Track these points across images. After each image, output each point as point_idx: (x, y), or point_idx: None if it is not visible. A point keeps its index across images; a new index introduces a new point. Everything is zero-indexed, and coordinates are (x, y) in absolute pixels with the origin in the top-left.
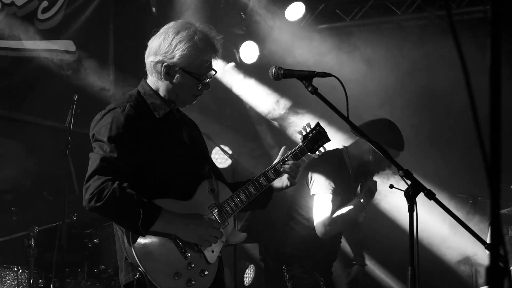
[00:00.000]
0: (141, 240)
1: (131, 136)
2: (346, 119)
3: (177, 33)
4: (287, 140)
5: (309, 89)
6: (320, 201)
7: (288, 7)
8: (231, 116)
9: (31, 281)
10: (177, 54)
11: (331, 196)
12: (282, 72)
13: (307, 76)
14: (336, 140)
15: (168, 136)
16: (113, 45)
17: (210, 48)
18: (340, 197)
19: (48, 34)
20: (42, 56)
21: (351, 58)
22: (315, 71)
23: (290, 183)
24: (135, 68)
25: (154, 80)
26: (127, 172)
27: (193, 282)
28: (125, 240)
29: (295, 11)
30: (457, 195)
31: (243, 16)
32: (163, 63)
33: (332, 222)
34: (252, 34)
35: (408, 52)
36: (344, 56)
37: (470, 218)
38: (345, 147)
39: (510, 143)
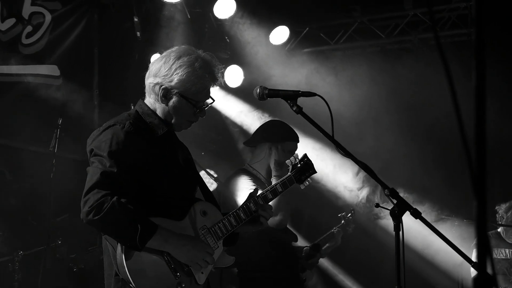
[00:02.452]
0: (133, 257)
1: (130, 153)
2: (331, 138)
3: (179, 57)
4: None
5: (294, 109)
6: None
7: (272, 31)
8: (217, 140)
9: None
10: (176, 78)
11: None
12: (266, 92)
13: (292, 96)
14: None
15: (166, 156)
16: (98, 69)
17: (209, 76)
18: None
19: (33, 59)
20: (26, 80)
21: (335, 81)
22: (300, 91)
23: (263, 224)
24: (119, 93)
25: (152, 101)
26: (125, 188)
27: None
28: (118, 256)
29: (280, 35)
30: (441, 218)
31: (227, 40)
32: (161, 86)
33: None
34: (236, 58)
35: (392, 75)
36: (329, 79)
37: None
38: (247, 164)
39: (495, 167)
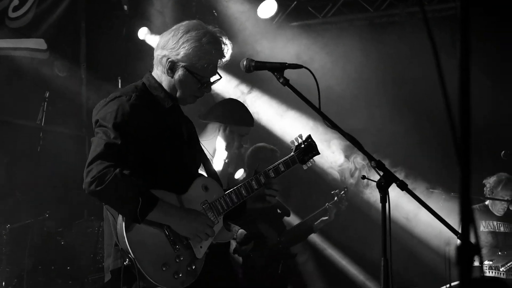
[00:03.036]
0: (134, 228)
1: (135, 125)
2: (317, 110)
3: (187, 31)
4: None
5: (280, 81)
6: None
7: (260, 5)
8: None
9: (4, 278)
10: (182, 52)
11: None
12: (253, 64)
13: (278, 68)
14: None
15: (171, 129)
16: (85, 43)
17: (216, 51)
18: None
19: (19, 33)
20: (13, 54)
21: (324, 55)
22: (286, 63)
23: (270, 202)
24: (106, 66)
25: (159, 74)
26: (129, 160)
27: (180, 275)
28: (118, 227)
29: (268, 9)
30: (429, 191)
31: (215, 14)
32: (168, 58)
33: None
34: (224, 31)
35: (380, 48)
36: (317, 53)
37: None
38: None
39: (481, 141)
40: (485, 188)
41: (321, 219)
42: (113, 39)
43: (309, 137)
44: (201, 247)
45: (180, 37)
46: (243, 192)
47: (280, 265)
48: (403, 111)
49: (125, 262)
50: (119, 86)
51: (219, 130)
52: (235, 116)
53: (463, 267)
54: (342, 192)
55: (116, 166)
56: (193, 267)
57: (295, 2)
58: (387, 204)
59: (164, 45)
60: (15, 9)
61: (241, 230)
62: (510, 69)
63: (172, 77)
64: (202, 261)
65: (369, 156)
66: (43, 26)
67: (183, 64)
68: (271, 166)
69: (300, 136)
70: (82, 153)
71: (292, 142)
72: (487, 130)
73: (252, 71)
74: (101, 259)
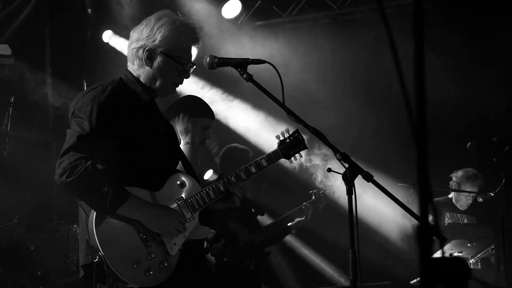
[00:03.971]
0: (104, 225)
1: (110, 117)
2: (281, 105)
3: (159, 19)
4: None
5: (244, 76)
6: None
7: (224, 5)
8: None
9: None
10: (158, 36)
11: None
12: (216, 60)
13: (241, 64)
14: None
15: (147, 124)
16: (50, 48)
17: (191, 32)
18: None
19: None
20: None
21: (289, 53)
22: (249, 59)
23: (234, 202)
24: (72, 70)
25: (135, 68)
26: (102, 153)
27: (151, 272)
28: (89, 223)
29: (232, 9)
30: (398, 185)
31: (179, 15)
32: (145, 48)
33: None
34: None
35: (345, 45)
36: (281, 51)
37: (411, 207)
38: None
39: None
40: (451, 182)
41: (297, 219)
42: (78, 42)
43: (296, 131)
44: (174, 244)
45: (154, 25)
46: (221, 188)
47: (253, 263)
48: (371, 107)
49: (95, 259)
50: (84, 89)
51: (180, 121)
52: (195, 108)
53: (422, 246)
54: (321, 192)
55: (88, 158)
56: (165, 264)
57: (259, 2)
58: (353, 196)
59: (138, 37)
60: None
61: (212, 231)
62: (475, 60)
63: (151, 66)
64: (175, 257)
65: (334, 149)
66: (7, 31)
67: (161, 49)
68: (252, 162)
69: (287, 131)
70: (49, 158)
71: (278, 136)
72: (454, 123)
73: (216, 68)
74: (71, 263)
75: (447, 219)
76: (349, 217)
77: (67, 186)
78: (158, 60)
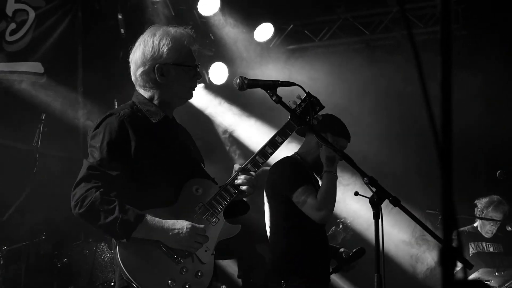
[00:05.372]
0: (129, 253)
1: (123, 142)
2: (311, 127)
3: (154, 35)
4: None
5: (273, 99)
6: (300, 194)
7: (257, 28)
8: (201, 138)
9: None
10: (164, 50)
11: (305, 185)
12: (246, 82)
13: (271, 86)
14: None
15: (163, 142)
16: (82, 67)
17: (187, 35)
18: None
19: (17, 56)
20: (10, 78)
21: (319, 79)
22: (279, 81)
23: (248, 192)
24: (104, 90)
25: (147, 90)
26: (114, 180)
27: (189, 284)
28: (115, 255)
29: (264, 32)
30: (426, 211)
31: (212, 37)
32: (155, 67)
33: (321, 203)
34: (221, 55)
35: (377, 71)
36: (314, 76)
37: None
38: (295, 153)
39: (478, 162)
40: (476, 209)
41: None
42: (110, 62)
43: (307, 94)
44: (206, 250)
45: (153, 42)
46: (238, 181)
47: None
48: (402, 133)
49: None
50: None
51: (317, 143)
52: (334, 128)
53: (445, 269)
54: (349, 221)
55: (99, 187)
56: (200, 273)
57: (291, 26)
58: (380, 220)
59: (142, 60)
60: (12, 32)
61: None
62: (506, 87)
63: (166, 81)
64: (210, 264)
65: (361, 172)
66: (40, 50)
67: (170, 61)
68: (263, 145)
69: (298, 97)
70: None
71: (290, 105)
72: (484, 150)
73: (245, 89)
74: (97, 280)
75: (472, 249)
76: (375, 241)
77: (80, 217)
78: (171, 73)
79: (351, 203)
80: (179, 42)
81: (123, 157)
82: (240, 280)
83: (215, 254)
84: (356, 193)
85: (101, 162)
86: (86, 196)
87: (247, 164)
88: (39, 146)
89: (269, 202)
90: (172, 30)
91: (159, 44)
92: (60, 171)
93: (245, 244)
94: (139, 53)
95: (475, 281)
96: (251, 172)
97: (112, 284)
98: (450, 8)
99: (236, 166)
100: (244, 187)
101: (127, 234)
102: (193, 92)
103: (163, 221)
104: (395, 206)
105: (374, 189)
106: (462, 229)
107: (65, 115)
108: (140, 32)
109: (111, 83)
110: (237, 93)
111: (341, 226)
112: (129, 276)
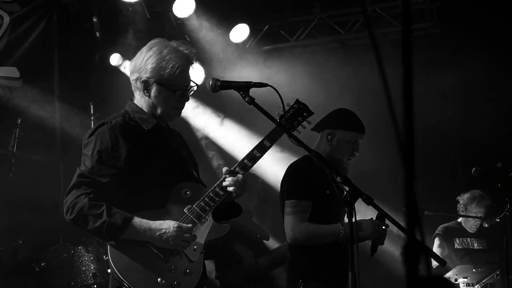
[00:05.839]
0: (119, 254)
1: (113, 150)
2: (284, 128)
3: (150, 49)
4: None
5: (246, 100)
6: (289, 206)
7: (232, 29)
8: None
9: None
10: (149, 67)
11: (299, 200)
12: (219, 83)
13: (244, 87)
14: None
15: (155, 148)
16: (58, 71)
17: (178, 59)
18: (321, 200)
19: None
20: None
21: (296, 78)
22: (251, 82)
23: (235, 194)
24: (80, 93)
25: (138, 98)
26: (104, 186)
27: (177, 282)
28: (108, 257)
29: (240, 33)
30: (424, 213)
31: (187, 39)
32: (140, 79)
33: (302, 231)
34: (197, 57)
35: (353, 70)
36: (289, 76)
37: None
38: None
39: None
40: (458, 205)
41: None
42: (86, 66)
43: (297, 101)
44: (194, 249)
45: (144, 56)
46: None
47: (257, 286)
48: (378, 132)
49: None
50: (91, 112)
51: (327, 137)
52: (344, 121)
53: (409, 265)
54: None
55: (89, 194)
56: (189, 271)
57: (267, 26)
58: (353, 219)
59: (133, 69)
60: None
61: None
62: (482, 85)
63: (149, 96)
64: (199, 263)
65: (335, 172)
66: (15, 54)
67: (153, 80)
68: (253, 147)
69: (288, 104)
70: (56, 180)
71: (278, 112)
72: (462, 148)
73: (218, 91)
74: (76, 284)
75: (457, 245)
76: (350, 240)
77: (72, 223)
78: (153, 89)
79: None
80: (165, 63)
81: (114, 165)
82: (217, 282)
83: (204, 254)
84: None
85: (91, 170)
86: (76, 202)
87: (235, 167)
88: (15, 150)
89: (281, 203)
90: (166, 50)
91: (147, 60)
92: (36, 176)
93: (223, 243)
94: (134, 61)
95: (439, 277)
96: (239, 175)
97: (94, 287)
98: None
99: (225, 169)
100: (230, 189)
101: (114, 237)
102: (180, 112)
103: (151, 222)
104: (368, 204)
105: (347, 188)
106: (447, 224)
107: (41, 119)
108: (116, 35)
109: (88, 86)
110: (214, 95)
111: None
112: (120, 276)
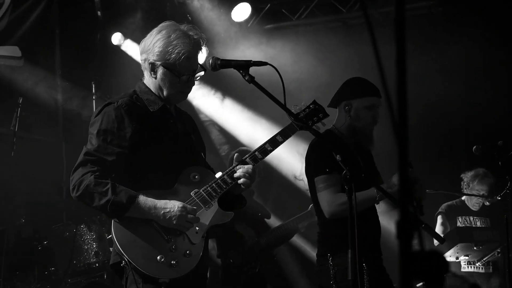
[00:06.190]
0: (123, 230)
1: (119, 130)
2: (283, 106)
3: (159, 32)
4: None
5: (246, 78)
6: (319, 181)
7: (234, 8)
8: None
9: None
10: (156, 50)
11: (328, 174)
12: (219, 62)
13: (243, 66)
14: None
15: (161, 130)
16: (59, 50)
17: (185, 45)
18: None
19: None
20: None
21: (297, 57)
22: (251, 60)
23: (245, 185)
24: (82, 73)
25: (147, 78)
26: (110, 165)
27: (176, 261)
28: (112, 232)
29: (242, 12)
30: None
31: (189, 18)
32: (148, 60)
33: (338, 203)
34: (207, 41)
35: (355, 50)
36: (290, 55)
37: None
38: (333, 125)
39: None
40: (462, 183)
41: (306, 222)
42: (87, 45)
43: (313, 102)
44: (196, 232)
45: (153, 38)
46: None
47: (258, 264)
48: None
49: (122, 263)
50: (93, 91)
51: (345, 109)
52: (356, 89)
53: (402, 241)
54: None
55: (95, 172)
56: (189, 253)
57: (269, 5)
58: (353, 196)
59: (142, 49)
60: None
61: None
62: (483, 63)
63: (156, 78)
64: (200, 246)
65: (334, 149)
66: (17, 34)
67: (159, 62)
68: (266, 141)
69: (305, 104)
70: (58, 159)
71: (294, 110)
72: (464, 126)
73: (218, 69)
74: (78, 262)
75: (459, 223)
76: (350, 218)
77: (78, 200)
78: (159, 72)
79: None
80: (172, 48)
81: (119, 144)
82: (219, 260)
83: (206, 237)
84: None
85: (97, 148)
86: (82, 180)
87: (246, 157)
88: (16, 130)
89: (308, 179)
90: (174, 34)
91: (155, 42)
92: (38, 155)
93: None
94: (144, 42)
95: (432, 252)
96: (249, 165)
97: (97, 265)
98: None
99: (235, 155)
100: (241, 180)
101: (119, 214)
102: (185, 96)
103: (156, 200)
104: (369, 183)
105: (346, 167)
106: (450, 202)
107: (43, 98)
108: (117, 14)
109: (89, 65)
110: (217, 76)
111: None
112: (122, 250)
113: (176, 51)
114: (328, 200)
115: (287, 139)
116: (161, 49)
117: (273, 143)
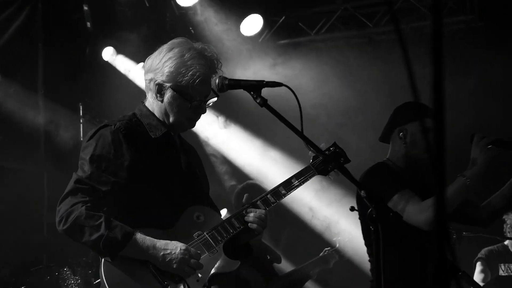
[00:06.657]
0: (114, 270)
1: (116, 157)
2: (299, 133)
3: (170, 49)
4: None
5: (257, 101)
6: (397, 202)
7: (243, 21)
8: None
9: None
10: (166, 70)
11: (401, 191)
12: (227, 82)
13: (255, 86)
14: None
15: (161, 159)
16: (43, 66)
17: (200, 66)
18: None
19: None
20: None
21: (315, 77)
22: (264, 81)
23: (257, 232)
24: (68, 92)
25: (150, 101)
26: (104, 195)
27: None
28: (100, 271)
29: (252, 25)
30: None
31: (192, 31)
32: (155, 81)
33: (427, 205)
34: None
35: (382, 69)
36: (307, 75)
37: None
38: (386, 158)
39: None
40: (504, 225)
41: (318, 269)
42: (75, 60)
43: (334, 144)
44: (197, 280)
45: (163, 56)
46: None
47: None
48: None
49: None
50: (81, 114)
51: (399, 137)
52: (407, 114)
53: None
54: (347, 239)
55: (86, 202)
56: None
57: (283, 17)
58: (379, 238)
59: (149, 67)
60: None
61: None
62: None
63: (162, 101)
64: None
65: (358, 185)
66: None
67: (168, 84)
68: (276, 186)
69: (323, 146)
70: (40, 192)
71: (311, 151)
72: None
73: (226, 90)
74: None
75: (501, 271)
76: (376, 258)
77: (64, 233)
78: (167, 95)
79: (347, 219)
80: (185, 70)
81: (115, 172)
82: None
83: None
84: (352, 208)
85: (90, 176)
86: (72, 211)
87: (257, 200)
88: None
89: (361, 216)
90: (188, 54)
91: (165, 62)
92: (17, 187)
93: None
94: (151, 59)
95: None
96: (262, 210)
97: None
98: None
99: (245, 197)
100: (254, 226)
101: (112, 252)
102: (194, 123)
103: (155, 240)
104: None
105: (373, 204)
106: (491, 247)
107: (23, 121)
108: (109, 25)
109: (77, 84)
110: (221, 97)
111: (337, 245)
112: None
113: (190, 73)
114: (417, 210)
115: (303, 183)
116: (172, 69)
117: (288, 186)
